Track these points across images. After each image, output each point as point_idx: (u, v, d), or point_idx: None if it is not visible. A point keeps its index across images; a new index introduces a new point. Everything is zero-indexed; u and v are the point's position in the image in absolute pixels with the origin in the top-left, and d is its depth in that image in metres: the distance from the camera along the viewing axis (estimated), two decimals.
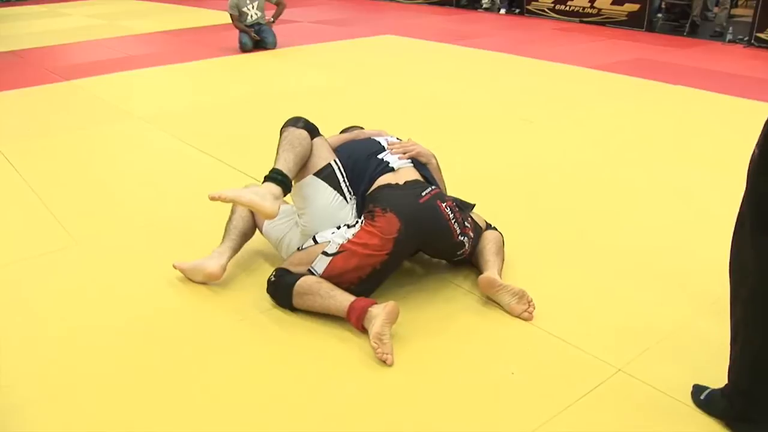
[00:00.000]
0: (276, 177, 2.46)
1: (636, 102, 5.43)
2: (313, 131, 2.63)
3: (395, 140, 2.86)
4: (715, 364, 2.16)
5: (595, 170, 3.88)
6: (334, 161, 2.63)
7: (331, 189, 2.57)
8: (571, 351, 2.25)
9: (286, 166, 2.49)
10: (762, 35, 7.79)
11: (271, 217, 2.42)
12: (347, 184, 2.62)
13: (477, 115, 5.05)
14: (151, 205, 3.48)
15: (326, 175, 2.58)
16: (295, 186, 2.58)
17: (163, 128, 4.79)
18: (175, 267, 2.69)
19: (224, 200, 2.41)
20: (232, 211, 2.76)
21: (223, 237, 2.73)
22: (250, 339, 2.36)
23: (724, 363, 2.17)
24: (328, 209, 2.56)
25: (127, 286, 2.70)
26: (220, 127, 4.85)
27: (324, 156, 2.62)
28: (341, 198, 2.58)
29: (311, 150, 2.59)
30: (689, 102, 5.41)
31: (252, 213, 2.71)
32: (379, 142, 2.77)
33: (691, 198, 3.49)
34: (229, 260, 2.68)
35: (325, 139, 2.71)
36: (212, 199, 2.39)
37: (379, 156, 2.67)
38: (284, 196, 2.49)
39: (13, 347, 2.32)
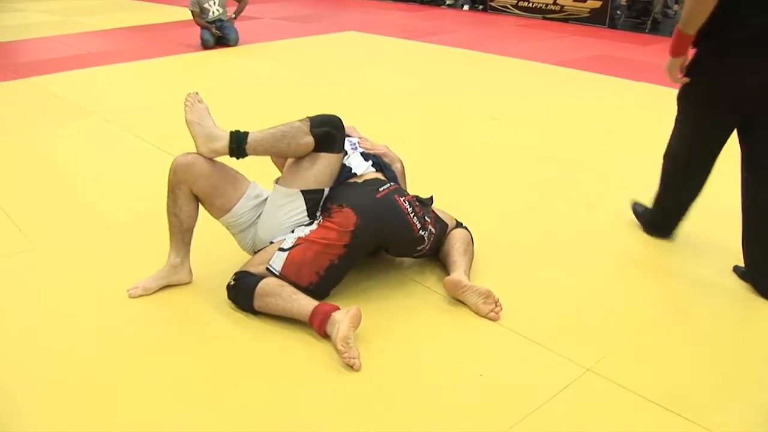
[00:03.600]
0: (238, 136, 2.37)
1: (598, 98, 5.47)
2: (324, 145, 2.43)
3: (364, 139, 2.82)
4: (683, 362, 2.18)
5: (561, 167, 3.87)
6: (328, 189, 2.48)
7: (305, 209, 2.45)
8: (539, 351, 2.23)
9: (255, 143, 2.37)
10: None
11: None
12: (320, 208, 2.49)
13: (441, 112, 5.03)
14: (111, 206, 3.37)
15: (311, 198, 2.45)
16: (277, 188, 2.48)
17: (123, 127, 4.67)
18: (132, 296, 2.51)
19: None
20: (175, 209, 2.46)
21: (176, 240, 2.52)
22: (214, 344, 2.29)
23: (692, 362, 2.18)
24: (290, 224, 2.46)
25: (87, 292, 2.60)
26: (182, 125, 4.73)
27: (322, 180, 2.46)
28: (308, 219, 2.47)
29: (313, 163, 2.43)
30: (650, 98, 5.46)
31: (200, 206, 2.49)
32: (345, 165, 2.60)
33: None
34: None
35: (338, 160, 2.51)
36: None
37: (343, 161, 2.58)
38: (223, 155, 2.39)
39: None
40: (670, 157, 2.84)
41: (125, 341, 2.30)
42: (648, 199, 3.02)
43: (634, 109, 5.16)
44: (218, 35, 7.48)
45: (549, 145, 4.26)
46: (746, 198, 2.61)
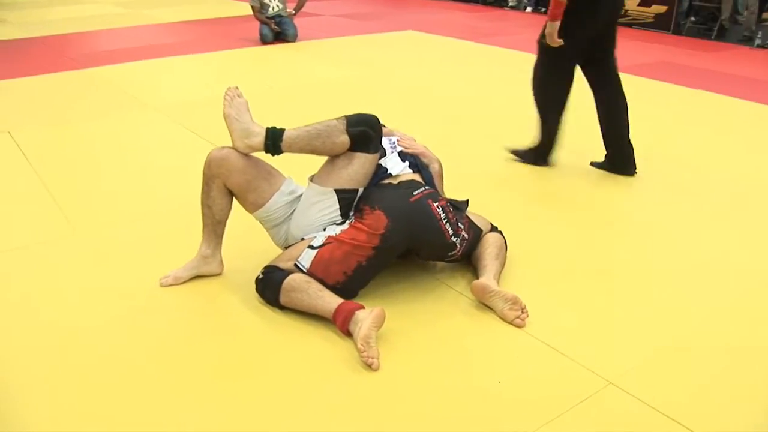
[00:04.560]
0: (274, 132, 2.40)
1: (658, 105, 5.32)
2: (360, 144, 2.42)
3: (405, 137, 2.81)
4: (708, 380, 2.11)
5: (609, 177, 3.80)
6: (362, 189, 2.48)
7: (338, 208, 2.46)
8: (561, 361, 2.20)
9: (291, 140, 2.40)
10: None
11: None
12: (353, 207, 2.50)
13: (497, 117, 4.95)
14: (156, 199, 3.46)
15: (345, 197, 2.45)
16: (311, 185, 2.50)
17: (177, 120, 4.78)
18: (163, 285, 2.57)
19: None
20: (208, 201, 2.50)
21: (208, 231, 2.56)
22: (238, 336, 2.33)
23: (717, 380, 2.11)
24: (322, 222, 2.48)
25: (120, 279, 2.67)
26: None
27: (357, 180, 2.45)
28: (341, 218, 2.48)
29: (348, 162, 2.43)
30: (712, 107, 5.31)
31: (234, 199, 2.52)
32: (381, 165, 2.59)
33: (709, 207, 3.41)
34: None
35: (374, 160, 2.49)
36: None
37: (380, 161, 2.57)
38: (258, 151, 2.43)
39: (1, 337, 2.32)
40: (542, 95, 3.70)
41: (152, 329, 2.36)
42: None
43: (694, 118, 5.01)
44: (277, 31, 7.56)
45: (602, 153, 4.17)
46: (596, 104, 3.72)
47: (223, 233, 2.59)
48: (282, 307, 2.40)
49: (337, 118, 2.44)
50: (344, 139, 2.40)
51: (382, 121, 2.54)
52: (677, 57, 7.27)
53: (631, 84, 6.04)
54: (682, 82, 6.04)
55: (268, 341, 2.30)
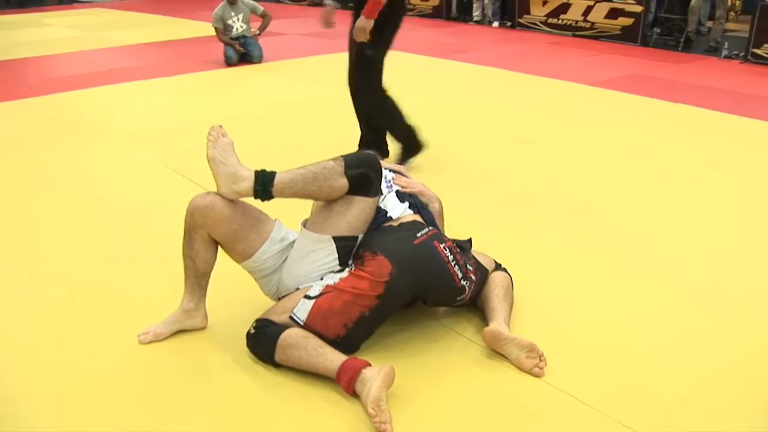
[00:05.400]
0: (264, 176, 2.16)
1: (637, 120, 5.24)
2: (360, 188, 2.21)
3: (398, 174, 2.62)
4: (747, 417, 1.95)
5: (606, 197, 3.66)
6: (362, 235, 2.27)
7: (336, 257, 2.24)
8: (589, 414, 2.01)
9: (283, 185, 2.16)
10: (758, 51, 7.63)
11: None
12: (352, 255, 2.29)
13: (469, 134, 4.82)
14: (121, 237, 3.19)
15: (344, 245, 2.23)
16: (306, 233, 2.27)
17: (142, 148, 4.52)
18: (142, 343, 2.33)
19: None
20: (191, 252, 2.26)
21: (191, 283, 2.32)
22: (229, 400, 2.09)
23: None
24: (319, 272, 2.25)
25: (90, 339, 2.39)
26: (200, 146, 4.57)
27: (357, 226, 2.24)
28: (339, 267, 2.26)
29: (347, 207, 2.21)
30: (690, 120, 5.25)
31: (219, 249, 2.29)
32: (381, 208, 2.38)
33: (709, 230, 3.28)
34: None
35: (374, 204, 2.28)
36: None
37: (379, 205, 2.36)
38: (247, 197, 2.19)
39: None
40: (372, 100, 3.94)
41: (130, 395, 2.11)
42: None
43: (674, 132, 4.92)
44: (242, 52, 7.35)
45: (590, 172, 4.05)
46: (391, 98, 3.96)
47: (207, 285, 2.35)
48: (277, 365, 2.17)
49: (333, 159, 2.22)
50: (343, 183, 2.19)
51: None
52: (648, 69, 7.24)
53: (605, 98, 6.03)
54: (656, 95, 5.99)
55: (265, 406, 2.07)
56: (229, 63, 7.29)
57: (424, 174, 2.68)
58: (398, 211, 2.37)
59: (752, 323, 2.49)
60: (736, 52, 7.90)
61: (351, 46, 3.81)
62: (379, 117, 4.00)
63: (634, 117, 5.37)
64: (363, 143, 4.08)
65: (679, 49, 8.48)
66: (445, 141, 4.67)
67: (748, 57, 7.70)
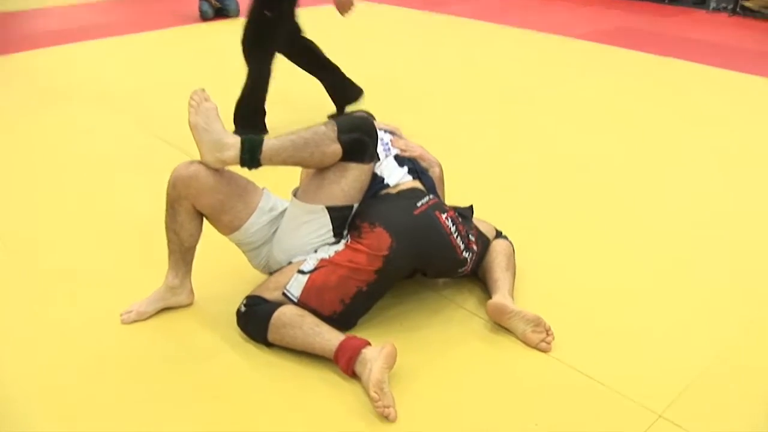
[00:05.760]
0: (251, 143, 2.00)
1: (624, 75, 5.13)
2: (354, 153, 2.06)
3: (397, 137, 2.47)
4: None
5: (597, 158, 3.54)
6: (357, 204, 2.14)
7: (330, 228, 2.11)
8: (600, 391, 1.91)
9: (272, 152, 2.00)
10: (747, 3, 7.49)
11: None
12: (347, 225, 2.16)
13: (451, 93, 4.65)
14: (98, 210, 3.00)
15: (339, 215, 2.10)
16: (297, 203, 2.13)
17: (116, 111, 4.29)
18: (125, 322, 2.19)
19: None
20: (175, 226, 2.12)
21: (175, 258, 2.18)
22: (219, 383, 1.96)
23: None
24: (312, 245, 2.12)
25: (71, 319, 2.24)
26: (178, 108, 4.36)
27: (351, 195, 2.10)
28: (333, 238, 2.13)
29: (340, 175, 2.07)
30: (677, 75, 5.15)
31: (203, 222, 2.14)
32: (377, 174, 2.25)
33: (700, 191, 3.19)
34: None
35: (369, 171, 2.14)
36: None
37: (375, 171, 2.23)
38: (233, 165, 2.03)
39: None
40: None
41: (114, 379, 1.97)
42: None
43: (665, 87, 4.81)
44: (217, 6, 7.06)
45: (574, 132, 3.92)
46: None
47: (192, 260, 2.20)
48: (270, 345, 2.05)
49: (325, 123, 2.06)
50: (336, 149, 2.03)
51: None
52: (635, 22, 7.09)
53: (591, 51, 5.88)
54: (643, 48, 5.87)
55: (258, 387, 1.94)
56: (204, 18, 7.00)
57: (408, 128, 2.53)
58: (397, 176, 2.23)
59: (760, 289, 2.41)
60: (724, 5, 7.76)
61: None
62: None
63: (620, 71, 5.24)
64: (329, 89, 4.07)
65: (667, 1, 8.32)
66: (422, 99, 4.53)
67: (737, 10, 7.58)
